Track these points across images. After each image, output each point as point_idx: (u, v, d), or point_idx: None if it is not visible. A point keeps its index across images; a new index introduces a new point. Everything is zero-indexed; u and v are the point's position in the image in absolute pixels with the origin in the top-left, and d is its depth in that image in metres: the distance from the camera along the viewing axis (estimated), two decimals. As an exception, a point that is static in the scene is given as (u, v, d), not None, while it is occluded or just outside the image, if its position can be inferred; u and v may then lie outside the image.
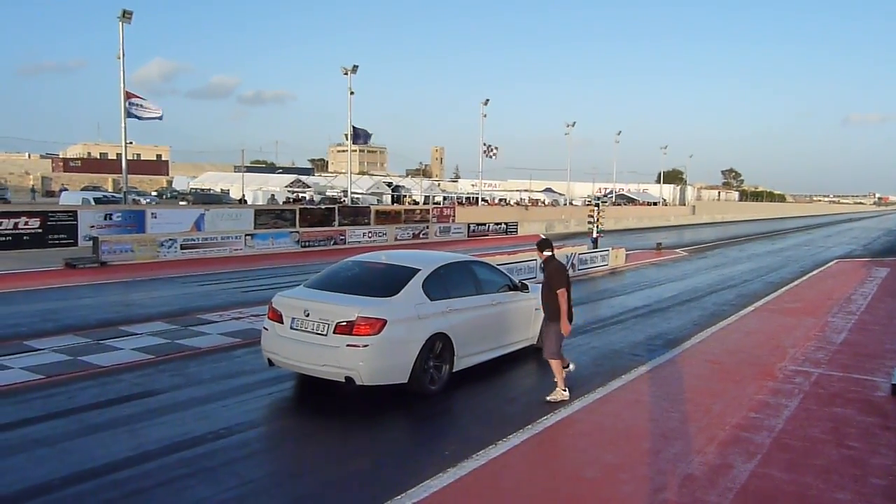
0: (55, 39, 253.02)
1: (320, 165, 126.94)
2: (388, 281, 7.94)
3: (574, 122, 63.92)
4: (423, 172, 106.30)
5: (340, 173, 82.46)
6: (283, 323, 7.70)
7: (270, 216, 28.15)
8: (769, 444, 6.48)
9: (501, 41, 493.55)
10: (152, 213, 24.32)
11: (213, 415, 7.14)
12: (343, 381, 7.30)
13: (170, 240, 21.84)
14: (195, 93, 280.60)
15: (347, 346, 7.14)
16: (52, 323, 11.49)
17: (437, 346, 7.87)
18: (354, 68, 37.59)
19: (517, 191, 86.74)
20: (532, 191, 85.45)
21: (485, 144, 52.97)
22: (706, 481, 5.59)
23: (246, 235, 24.71)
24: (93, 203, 33.93)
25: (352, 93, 37.90)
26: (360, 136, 40.15)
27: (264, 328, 8.02)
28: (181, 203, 49.21)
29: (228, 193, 61.55)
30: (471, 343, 8.45)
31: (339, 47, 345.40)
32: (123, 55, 26.22)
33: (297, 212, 29.15)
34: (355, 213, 32.20)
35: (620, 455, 6.18)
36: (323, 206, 35.91)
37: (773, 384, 8.60)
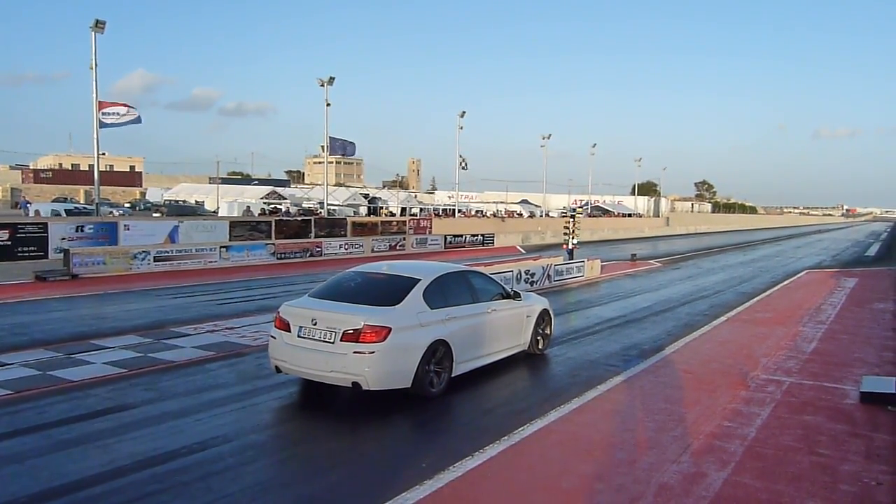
0: (42, 51, 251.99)
1: (297, 177, 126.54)
2: (390, 290, 8.33)
3: (550, 135, 64.68)
4: (400, 184, 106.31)
5: (317, 185, 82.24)
6: (290, 331, 7.98)
7: (246, 228, 27.91)
8: (742, 453, 6.56)
9: (478, 54, 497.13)
10: (125, 225, 23.95)
11: (186, 429, 7.06)
12: (350, 386, 7.64)
13: (143, 252, 21.59)
14: (176, 105, 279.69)
15: (354, 352, 7.53)
16: (21, 337, 11.29)
17: (438, 352, 8.20)
18: (331, 80, 37.61)
19: (493, 202, 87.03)
20: (508, 202, 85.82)
21: (462, 157, 53.24)
22: (681, 490, 5.64)
23: (221, 247, 24.49)
24: (64, 215, 33.45)
25: (328, 104, 37.92)
26: (343, 147, 40.01)
27: (271, 336, 8.28)
28: (155, 215, 48.69)
29: (203, 205, 61.03)
30: (468, 349, 8.84)
31: (320, 59, 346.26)
32: (96, 65, 26.01)
33: (273, 223, 28.92)
34: (331, 225, 32.03)
35: (596, 465, 6.21)
36: (299, 218, 35.69)
37: (746, 393, 8.71)
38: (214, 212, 53.25)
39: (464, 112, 52.04)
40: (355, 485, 5.87)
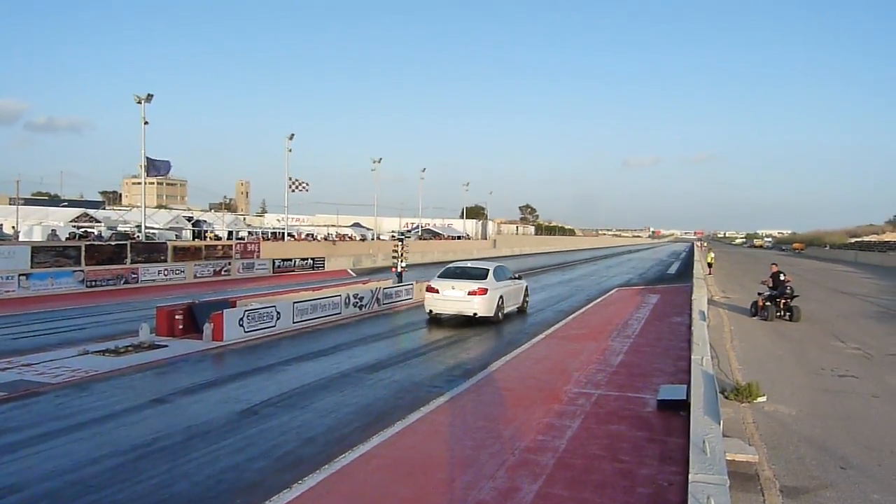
0: None
1: (113, 198, 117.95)
2: (479, 273, 18.05)
3: (381, 158, 64.60)
4: (228, 207, 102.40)
5: (135, 206, 77.12)
6: (439, 293, 17.39)
7: (51, 254, 25.55)
8: (553, 465, 6.92)
9: (307, 76, 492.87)
10: None
11: (-34, 481, 6.29)
12: (473, 315, 17.14)
13: (-78, 282, 19.11)
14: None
15: (475, 300, 17.00)
16: None
17: (500, 301, 17.72)
18: (149, 97, 35.51)
19: (325, 226, 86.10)
20: (340, 226, 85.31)
21: (292, 179, 52.14)
22: (495, 505, 5.84)
23: (20, 275, 22.30)
24: None
25: (146, 122, 35.75)
26: (159, 167, 37.72)
27: (427, 295, 17.67)
28: (-60, 240, 43.19)
29: (1, 229, 55.13)
30: (508, 301, 18.50)
31: (142, 76, 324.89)
32: None
33: (83, 248, 26.73)
34: (150, 250, 30.13)
35: (416, 487, 6.29)
36: (113, 243, 33.22)
37: (559, 407, 9.22)
38: (14, 236, 48.28)
39: (293, 134, 50.90)
40: (163, 528, 5.51)
